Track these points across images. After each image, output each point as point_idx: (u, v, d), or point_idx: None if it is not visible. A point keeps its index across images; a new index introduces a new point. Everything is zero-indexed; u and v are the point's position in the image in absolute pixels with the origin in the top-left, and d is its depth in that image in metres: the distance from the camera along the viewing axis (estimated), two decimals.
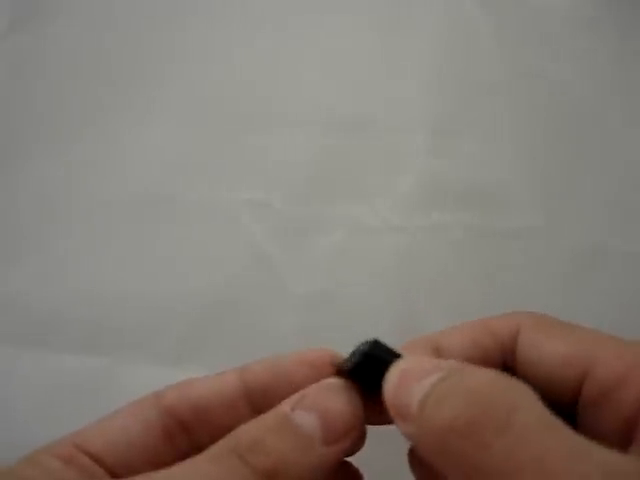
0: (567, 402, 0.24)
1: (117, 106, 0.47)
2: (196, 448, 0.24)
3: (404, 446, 0.25)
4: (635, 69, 0.47)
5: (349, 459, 0.27)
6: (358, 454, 0.26)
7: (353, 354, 0.24)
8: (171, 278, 0.44)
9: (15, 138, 0.47)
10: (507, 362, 0.25)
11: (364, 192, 0.45)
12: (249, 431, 0.22)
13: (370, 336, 0.25)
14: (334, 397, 0.23)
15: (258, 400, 0.25)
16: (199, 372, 0.28)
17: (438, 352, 0.26)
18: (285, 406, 0.23)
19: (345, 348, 0.25)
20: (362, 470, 0.27)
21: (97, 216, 0.45)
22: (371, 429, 0.25)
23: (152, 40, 0.48)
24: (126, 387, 0.41)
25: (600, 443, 0.19)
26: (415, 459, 0.26)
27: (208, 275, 0.44)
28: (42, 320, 0.43)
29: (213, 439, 0.23)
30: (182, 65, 0.48)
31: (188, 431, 0.25)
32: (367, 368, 0.23)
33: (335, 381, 0.24)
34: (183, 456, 0.23)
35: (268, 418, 0.22)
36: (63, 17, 0.49)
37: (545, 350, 0.24)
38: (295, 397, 0.23)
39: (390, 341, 0.25)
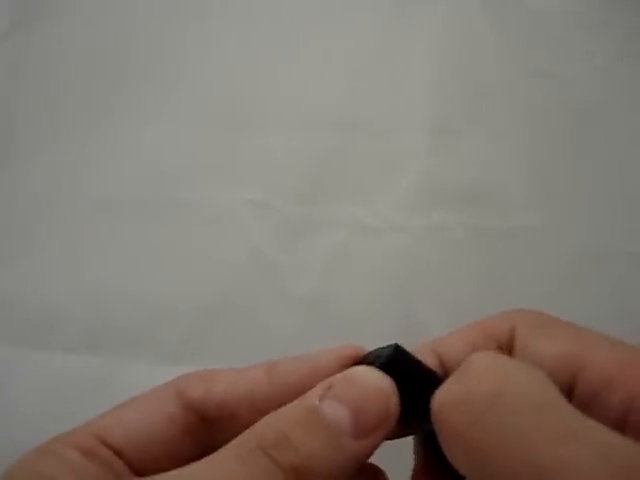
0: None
1: (116, 106, 0.47)
2: (215, 443, 0.23)
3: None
4: (637, 70, 0.47)
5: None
6: None
7: (376, 355, 0.23)
8: (171, 278, 0.44)
9: (14, 138, 0.47)
10: None
11: (364, 192, 0.45)
12: (274, 424, 0.21)
13: (369, 335, 0.25)
14: (368, 389, 0.21)
15: (286, 398, 0.23)
16: None
17: (440, 359, 0.25)
18: (312, 397, 0.21)
19: None
20: None
21: (96, 216, 0.45)
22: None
23: (152, 40, 0.48)
24: (126, 387, 0.40)
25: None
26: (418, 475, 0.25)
27: (208, 275, 0.44)
28: (42, 320, 0.43)
29: (235, 436, 0.22)
30: (182, 65, 0.48)
31: (211, 427, 0.24)
32: (397, 367, 0.22)
33: (364, 369, 0.22)
34: (201, 451, 0.23)
35: (294, 410, 0.21)
36: (63, 17, 0.49)
37: (539, 352, 0.24)
38: (322, 387, 0.21)
39: (391, 341, 0.25)
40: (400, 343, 0.24)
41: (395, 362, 0.22)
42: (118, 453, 0.22)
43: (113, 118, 0.47)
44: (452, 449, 0.20)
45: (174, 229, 0.45)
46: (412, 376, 0.22)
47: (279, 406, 0.23)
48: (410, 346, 0.24)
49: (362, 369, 0.22)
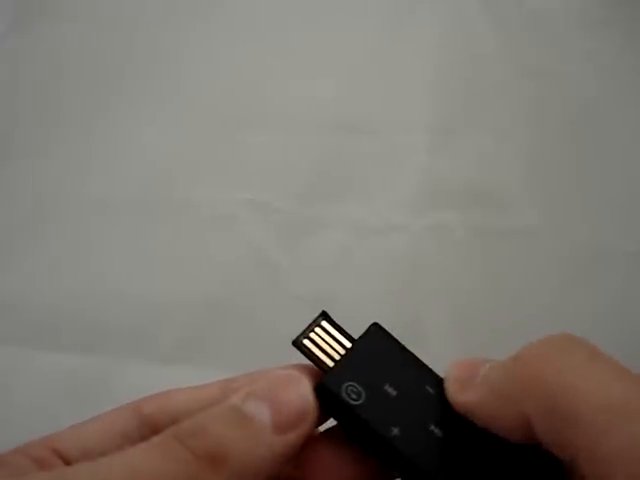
0: None
1: (116, 106, 0.47)
2: None
3: None
4: (637, 69, 0.47)
5: None
6: None
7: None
8: (171, 278, 0.44)
9: (14, 138, 0.47)
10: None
11: (364, 192, 0.45)
12: (193, 418, 0.21)
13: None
14: (286, 385, 0.22)
15: None
16: (198, 372, 0.27)
17: None
18: (234, 397, 0.22)
19: None
20: None
21: (97, 216, 0.45)
22: None
23: (152, 41, 0.48)
24: (125, 387, 0.41)
25: None
26: None
27: (208, 275, 0.44)
28: (42, 320, 0.43)
29: None
30: (182, 65, 0.48)
31: None
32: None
33: (287, 371, 0.23)
34: None
35: (215, 408, 0.21)
36: (63, 18, 0.49)
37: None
38: (245, 389, 0.22)
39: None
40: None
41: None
42: (71, 464, 0.23)
43: (113, 118, 0.47)
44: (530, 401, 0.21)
45: (174, 229, 0.45)
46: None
47: None
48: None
49: (283, 369, 0.23)
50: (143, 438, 0.23)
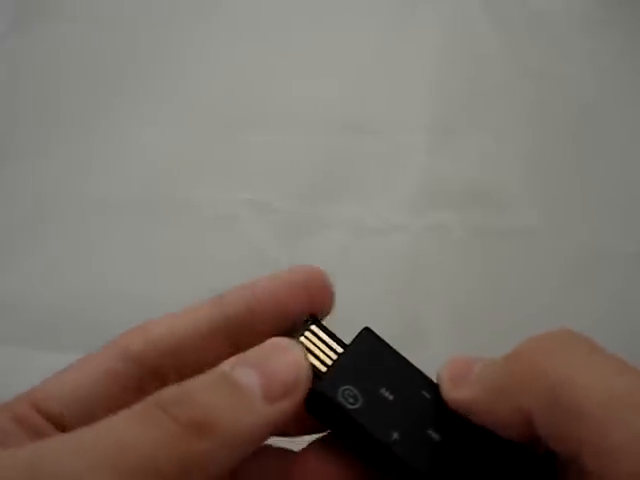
0: None
1: (117, 106, 0.47)
2: None
3: None
4: (637, 70, 0.47)
5: None
6: None
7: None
8: (171, 278, 0.44)
9: (14, 138, 0.47)
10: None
11: (364, 192, 0.45)
12: (179, 386, 0.20)
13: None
14: (278, 353, 0.21)
15: (236, 332, 0.23)
16: None
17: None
18: (224, 365, 0.21)
19: None
20: None
21: (97, 216, 0.45)
22: None
23: (153, 41, 0.48)
24: None
25: None
26: None
27: (208, 275, 0.44)
28: (42, 320, 0.43)
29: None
30: (183, 65, 0.48)
31: (162, 378, 0.23)
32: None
33: (278, 339, 0.22)
34: None
35: (203, 375, 0.20)
36: (63, 18, 0.49)
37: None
38: (236, 357, 0.21)
39: (392, 341, 0.25)
40: (390, 341, 0.24)
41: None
42: (55, 418, 0.22)
43: (114, 118, 0.47)
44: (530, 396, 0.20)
45: (174, 229, 0.45)
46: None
47: (231, 344, 0.22)
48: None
49: (276, 339, 0.22)
50: (134, 378, 0.23)
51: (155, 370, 0.23)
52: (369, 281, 0.43)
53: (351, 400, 0.22)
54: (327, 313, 0.24)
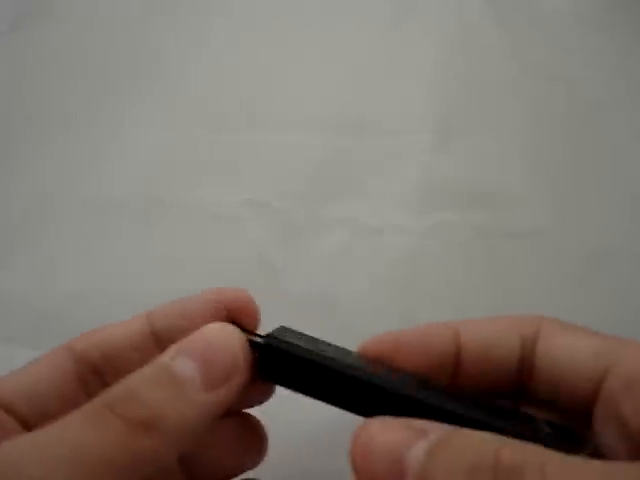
0: (583, 402, 0.23)
1: (116, 106, 0.47)
2: None
3: None
4: None
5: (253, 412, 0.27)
6: None
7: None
8: (170, 278, 0.44)
9: (13, 138, 0.47)
10: (525, 357, 0.25)
11: (365, 192, 0.45)
12: (124, 383, 0.21)
13: (370, 336, 0.25)
14: (214, 341, 0.22)
15: (166, 343, 0.23)
16: None
17: (457, 337, 0.25)
18: (165, 356, 0.21)
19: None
20: None
21: (96, 216, 0.45)
22: None
23: (153, 41, 0.48)
24: None
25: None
26: None
27: (208, 275, 0.44)
28: (40, 320, 0.43)
29: None
30: (183, 65, 0.48)
31: (101, 376, 0.25)
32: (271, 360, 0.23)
33: (216, 325, 0.23)
34: None
35: (146, 369, 0.21)
36: (63, 18, 0.49)
37: (567, 344, 0.23)
38: (176, 345, 0.22)
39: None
40: None
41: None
42: (8, 409, 0.23)
43: (113, 118, 0.47)
44: None
45: (174, 229, 0.45)
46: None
47: (155, 351, 0.24)
48: None
49: (212, 325, 0.22)
50: (79, 373, 0.24)
51: (95, 369, 0.25)
52: (369, 281, 0.43)
53: (302, 344, 0.23)
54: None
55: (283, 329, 0.25)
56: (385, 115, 0.46)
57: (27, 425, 0.23)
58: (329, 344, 0.25)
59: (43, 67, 0.48)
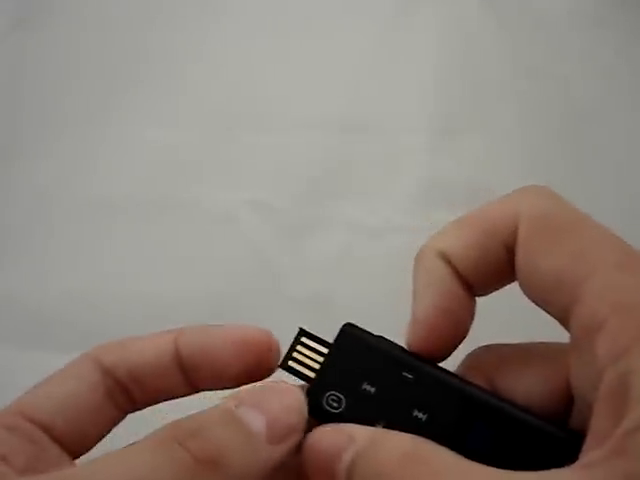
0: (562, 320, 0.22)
1: (116, 106, 0.47)
2: (135, 408, 0.25)
3: None
4: (638, 70, 0.46)
5: None
6: None
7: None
8: (170, 278, 0.44)
9: (13, 138, 0.47)
10: (512, 260, 0.24)
11: (364, 192, 0.45)
12: (192, 419, 0.21)
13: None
14: (279, 398, 0.23)
15: (188, 367, 0.25)
16: None
17: (447, 260, 0.25)
18: (230, 402, 0.22)
19: None
20: None
21: (96, 216, 0.45)
22: None
23: (153, 41, 0.48)
24: None
25: None
26: None
27: (208, 275, 0.44)
28: (40, 320, 0.43)
29: (149, 400, 0.24)
30: (184, 66, 0.48)
31: (127, 392, 0.25)
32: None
33: (287, 385, 0.23)
34: (123, 416, 0.24)
35: (212, 411, 0.22)
36: (63, 18, 0.49)
37: (538, 269, 0.23)
38: (239, 394, 0.22)
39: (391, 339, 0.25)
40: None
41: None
42: (44, 427, 0.23)
43: (113, 118, 0.47)
44: None
45: (174, 229, 0.45)
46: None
47: (183, 375, 0.24)
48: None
49: (283, 384, 0.23)
50: (109, 390, 0.24)
51: (121, 384, 0.25)
52: (369, 281, 0.43)
53: (335, 405, 0.24)
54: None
55: (347, 331, 0.25)
56: (385, 115, 0.46)
57: (63, 440, 0.23)
58: (385, 356, 0.25)
59: (43, 67, 0.48)
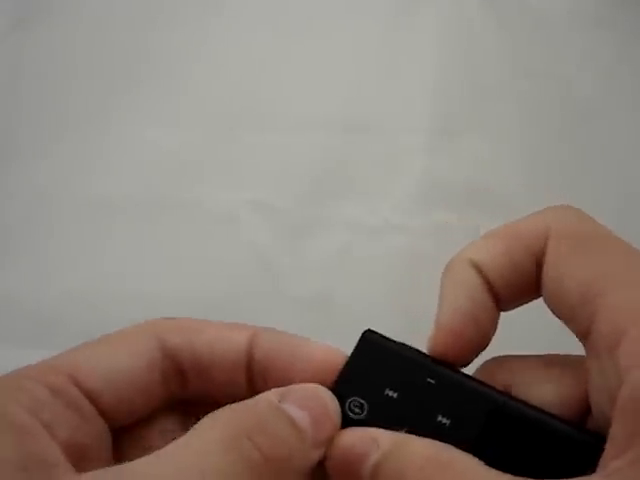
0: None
1: (116, 106, 0.47)
2: (184, 395, 0.24)
3: None
4: (638, 70, 0.46)
5: None
6: None
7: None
8: (170, 278, 0.44)
9: (13, 138, 0.47)
10: (539, 274, 0.24)
11: (364, 192, 0.45)
12: (254, 413, 0.21)
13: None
14: (323, 399, 0.22)
15: (256, 370, 0.24)
16: None
17: (478, 270, 0.25)
18: (271, 396, 0.22)
19: (345, 350, 0.25)
20: None
21: (96, 216, 0.45)
22: None
23: (153, 41, 0.48)
24: None
25: None
26: None
27: (208, 275, 0.44)
28: (40, 320, 0.43)
29: (201, 392, 0.23)
30: (185, 65, 0.48)
31: (183, 377, 0.24)
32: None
33: (325, 389, 0.23)
34: (171, 400, 0.23)
35: (260, 403, 0.21)
36: (63, 17, 0.49)
37: (565, 279, 0.22)
38: (281, 390, 0.22)
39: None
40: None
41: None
42: (90, 394, 0.22)
43: (113, 118, 0.47)
44: None
45: (174, 229, 0.45)
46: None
47: (248, 376, 0.23)
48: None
49: (319, 389, 0.23)
50: (164, 371, 0.23)
51: (180, 369, 0.24)
52: (369, 281, 0.43)
53: (357, 410, 0.23)
54: None
55: (368, 337, 0.25)
56: (385, 115, 0.46)
57: (106, 412, 0.22)
58: (407, 361, 0.24)
59: (42, 67, 0.48)
